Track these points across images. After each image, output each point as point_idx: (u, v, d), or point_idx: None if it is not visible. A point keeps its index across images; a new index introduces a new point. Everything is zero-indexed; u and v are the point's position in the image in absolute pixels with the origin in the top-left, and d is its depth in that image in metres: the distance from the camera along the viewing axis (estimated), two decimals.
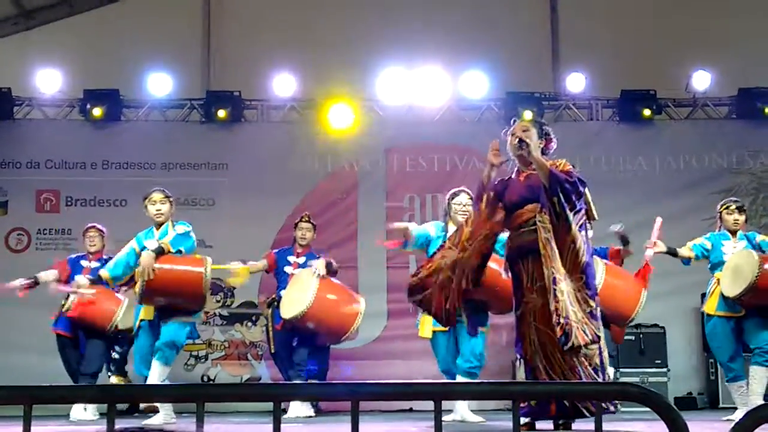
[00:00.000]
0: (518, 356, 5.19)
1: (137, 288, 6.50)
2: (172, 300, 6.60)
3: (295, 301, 7.55)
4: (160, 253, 6.51)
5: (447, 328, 6.54)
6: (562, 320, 4.79)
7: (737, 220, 7.34)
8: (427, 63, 10.75)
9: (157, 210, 6.82)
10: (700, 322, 10.20)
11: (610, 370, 5.32)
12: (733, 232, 7.34)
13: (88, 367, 7.73)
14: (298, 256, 8.13)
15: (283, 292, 7.88)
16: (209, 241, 9.73)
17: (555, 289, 4.84)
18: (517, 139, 5.16)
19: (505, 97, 10.85)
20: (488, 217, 5.25)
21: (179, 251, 6.65)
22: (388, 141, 10.97)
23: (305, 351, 7.80)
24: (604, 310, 6.88)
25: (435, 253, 5.47)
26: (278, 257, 8.20)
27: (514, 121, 5.45)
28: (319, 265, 7.64)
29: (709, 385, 9.93)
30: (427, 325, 6.90)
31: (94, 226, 8.30)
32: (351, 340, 8.28)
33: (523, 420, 4.90)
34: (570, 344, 4.77)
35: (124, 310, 7.63)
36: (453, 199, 7.05)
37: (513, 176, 5.38)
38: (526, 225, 5.13)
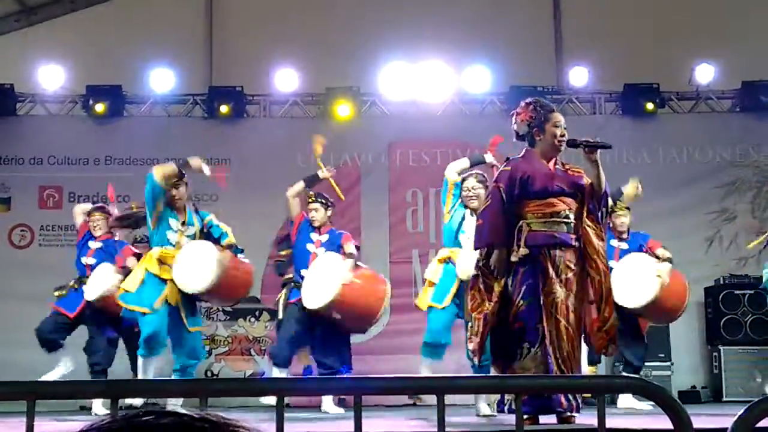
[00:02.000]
0: (525, 345, 5.08)
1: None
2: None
3: (320, 290, 7.18)
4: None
5: (443, 306, 6.66)
6: (614, 333, 5.07)
7: None
8: (430, 57, 10.74)
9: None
10: (704, 316, 10.23)
11: None
12: None
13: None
14: (320, 234, 7.66)
15: (304, 272, 7.46)
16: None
17: (613, 300, 5.08)
18: (593, 142, 5.12)
19: (508, 92, 10.83)
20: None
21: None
22: (391, 136, 10.96)
23: (327, 347, 7.55)
24: (651, 312, 7.26)
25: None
26: (302, 227, 7.70)
27: (535, 103, 5.29)
28: (345, 269, 7.24)
29: (713, 379, 9.93)
30: (425, 298, 6.88)
31: (101, 209, 8.01)
32: (376, 324, 7.91)
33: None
34: (609, 351, 5.06)
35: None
36: (463, 183, 6.89)
37: (528, 157, 5.24)
38: (557, 216, 5.09)
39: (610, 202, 5.27)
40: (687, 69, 10.79)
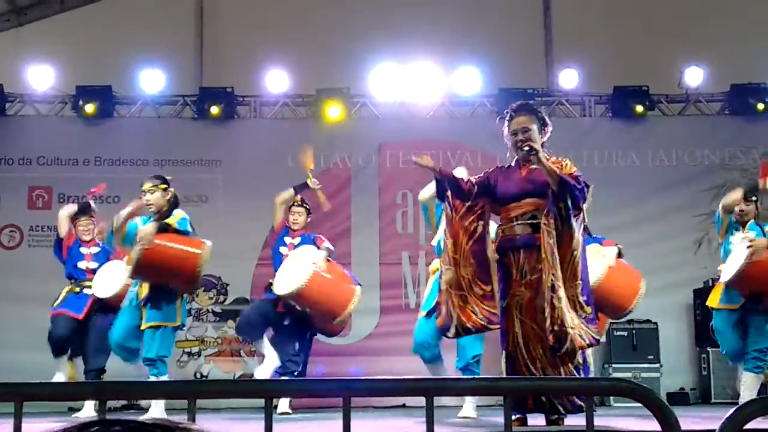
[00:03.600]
0: (501, 349, 5.17)
1: (133, 255, 6.39)
2: (163, 278, 6.56)
3: (290, 278, 7.38)
4: (163, 229, 6.45)
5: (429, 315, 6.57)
6: (556, 327, 4.83)
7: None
8: (420, 59, 10.74)
9: (146, 200, 6.66)
10: (693, 318, 10.26)
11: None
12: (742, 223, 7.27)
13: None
14: (293, 237, 7.94)
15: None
16: (202, 237, 9.69)
17: (553, 297, 4.84)
18: (527, 147, 5.07)
19: (497, 94, 10.84)
20: (461, 216, 5.23)
21: (185, 232, 6.60)
22: (381, 137, 10.97)
23: (296, 341, 7.68)
24: (602, 301, 6.83)
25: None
26: (281, 233, 8.02)
27: (512, 112, 5.32)
28: (319, 256, 7.48)
29: (702, 381, 9.96)
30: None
31: (87, 213, 7.95)
32: (343, 327, 7.99)
33: (514, 415, 4.91)
34: (564, 349, 4.81)
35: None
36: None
37: (512, 165, 5.34)
38: (521, 218, 5.13)
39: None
40: (676, 72, 10.83)
